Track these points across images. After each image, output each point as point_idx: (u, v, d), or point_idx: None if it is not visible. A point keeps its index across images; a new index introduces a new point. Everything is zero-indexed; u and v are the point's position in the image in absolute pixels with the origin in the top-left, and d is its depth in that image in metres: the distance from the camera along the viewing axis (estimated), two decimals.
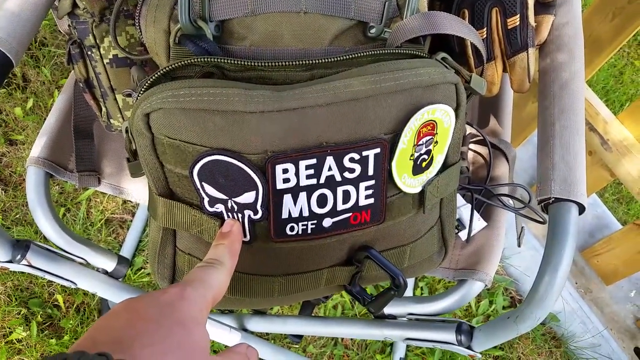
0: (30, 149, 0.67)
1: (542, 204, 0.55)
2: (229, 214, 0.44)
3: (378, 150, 0.44)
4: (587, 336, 1.31)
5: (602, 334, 1.30)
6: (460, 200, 0.72)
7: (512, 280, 1.37)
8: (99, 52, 0.60)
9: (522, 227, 0.74)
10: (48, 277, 0.66)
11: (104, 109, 0.64)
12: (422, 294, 1.30)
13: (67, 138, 0.70)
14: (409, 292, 1.27)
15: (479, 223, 0.70)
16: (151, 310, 0.31)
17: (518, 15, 0.60)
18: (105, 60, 0.60)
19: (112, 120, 0.65)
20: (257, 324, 0.79)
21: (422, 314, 0.68)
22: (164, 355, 0.28)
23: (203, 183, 0.42)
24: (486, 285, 0.67)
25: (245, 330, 0.80)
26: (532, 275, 0.53)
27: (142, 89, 0.43)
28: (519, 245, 0.74)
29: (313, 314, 0.83)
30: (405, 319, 0.69)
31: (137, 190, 0.73)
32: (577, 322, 1.33)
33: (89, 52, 0.60)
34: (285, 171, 0.42)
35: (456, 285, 0.67)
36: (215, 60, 0.43)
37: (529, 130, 1.29)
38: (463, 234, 0.70)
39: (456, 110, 0.48)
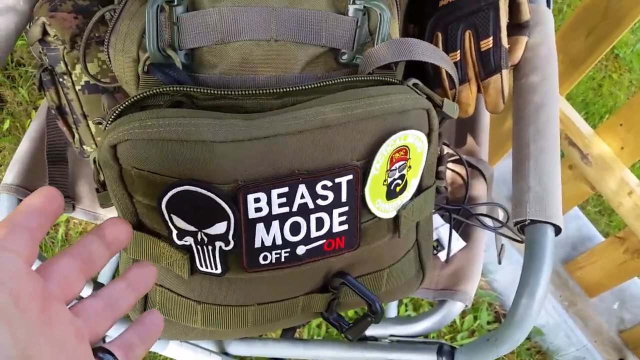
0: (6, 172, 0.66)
1: (518, 226, 0.55)
2: (198, 246, 0.43)
3: (350, 176, 0.44)
4: (571, 349, 1.31)
5: (586, 347, 1.31)
6: (439, 220, 0.72)
7: (496, 295, 1.37)
8: (71, 78, 0.59)
9: (502, 245, 0.74)
10: None
11: (76, 136, 0.63)
12: (406, 310, 1.30)
13: (41, 164, 0.69)
14: (393, 310, 1.26)
15: (458, 243, 0.70)
16: None
17: (491, 38, 0.60)
18: (78, 87, 0.60)
19: (85, 147, 0.64)
20: (237, 347, 0.77)
21: (403, 335, 0.68)
22: None
23: (172, 215, 0.42)
24: (466, 306, 0.67)
25: (225, 353, 0.79)
26: (516, 289, 0.53)
27: (110, 119, 0.43)
28: (500, 263, 0.74)
29: (297, 331, 0.82)
30: (387, 340, 0.69)
31: (114, 215, 0.71)
32: (562, 336, 1.33)
33: (61, 79, 0.59)
34: (257, 200, 0.42)
35: (437, 306, 0.67)
36: (185, 89, 0.43)
37: (510, 145, 1.29)
38: (442, 255, 0.69)
39: (429, 135, 0.48)
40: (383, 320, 0.67)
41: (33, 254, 0.28)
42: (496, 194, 1.41)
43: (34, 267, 0.28)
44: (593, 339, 1.32)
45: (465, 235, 0.72)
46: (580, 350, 1.30)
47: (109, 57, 0.48)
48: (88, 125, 0.62)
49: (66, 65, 0.59)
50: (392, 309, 1.27)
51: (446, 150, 0.75)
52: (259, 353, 0.77)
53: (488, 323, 1.33)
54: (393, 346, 0.67)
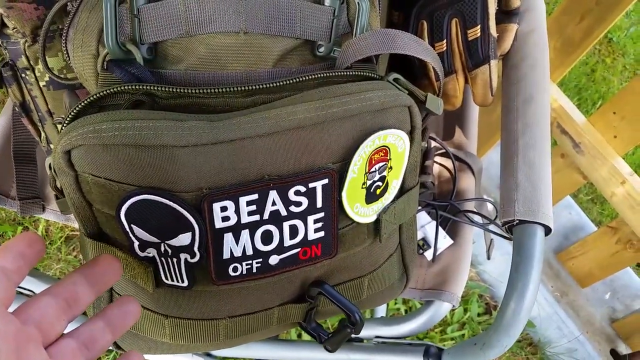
0: None
1: (506, 226, 0.52)
2: (162, 258, 0.40)
3: (326, 181, 0.41)
4: (563, 341, 1.30)
5: (578, 338, 1.29)
6: (425, 217, 0.69)
7: (486, 286, 1.35)
8: (34, 74, 0.56)
9: (492, 240, 0.72)
10: None
11: (43, 134, 0.60)
12: (395, 304, 1.28)
13: (8, 163, 0.65)
14: (382, 306, 1.25)
15: (444, 241, 0.68)
16: None
17: (479, 26, 0.57)
18: (42, 83, 0.56)
19: (52, 146, 0.60)
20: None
21: (389, 336, 0.66)
22: None
23: (132, 225, 0.38)
24: (454, 306, 0.65)
25: (208, 355, 0.77)
26: (507, 280, 0.51)
27: (66, 121, 0.39)
28: (489, 258, 0.72)
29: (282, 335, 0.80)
30: (373, 341, 0.67)
31: None
32: (553, 327, 1.31)
33: (23, 75, 0.56)
34: (223, 209, 0.39)
35: (423, 306, 0.65)
36: (145, 87, 0.39)
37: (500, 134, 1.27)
38: (428, 254, 0.67)
39: (411, 133, 0.45)
40: (369, 320, 0.65)
41: (9, 297, 0.28)
42: (487, 185, 1.39)
43: (13, 307, 0.29)
44: (585, 329, 1.31)
45: (453, 233, 0.69)
46: (572, 342, 1.29)
47: (67, 53, 0.45)
48: (54, 123, 0.59)
49: (28, 60, 0.55)
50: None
51: (433, 144, 0.72)
52: (243, 354, 0.75)
53: (478, 315, 1.31)
54: (379, 348, 0.65)
